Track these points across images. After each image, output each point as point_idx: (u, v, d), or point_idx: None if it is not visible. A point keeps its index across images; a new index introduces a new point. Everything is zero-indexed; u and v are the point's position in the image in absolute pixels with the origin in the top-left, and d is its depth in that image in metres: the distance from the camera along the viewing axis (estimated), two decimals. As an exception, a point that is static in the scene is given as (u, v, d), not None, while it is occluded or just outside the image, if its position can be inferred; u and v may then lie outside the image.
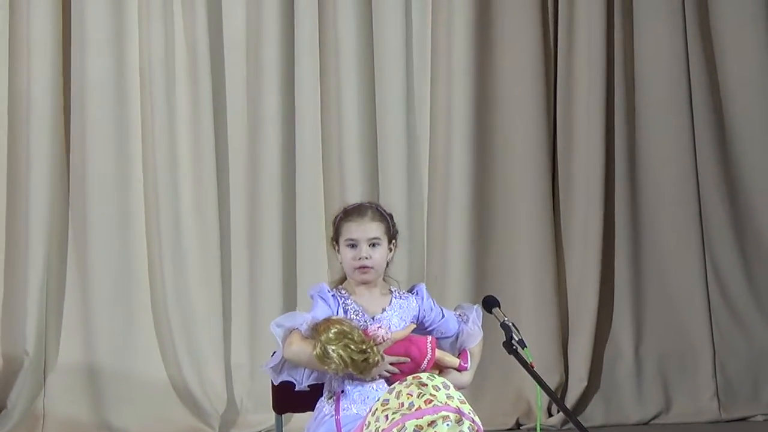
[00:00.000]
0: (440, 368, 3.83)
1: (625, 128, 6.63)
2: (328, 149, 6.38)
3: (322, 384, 3.85)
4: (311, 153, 6.39)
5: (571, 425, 6.23)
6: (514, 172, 6.53)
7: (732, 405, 6.55)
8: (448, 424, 3.48)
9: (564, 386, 6.46)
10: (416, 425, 3.48)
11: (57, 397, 6.07)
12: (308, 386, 3.85)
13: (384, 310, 3.84)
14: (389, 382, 3.75)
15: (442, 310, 3.95)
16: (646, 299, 6.63)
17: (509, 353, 3.76)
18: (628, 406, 6.51)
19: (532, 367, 3.70)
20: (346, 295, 3.85)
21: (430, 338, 3.81)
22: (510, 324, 3.80)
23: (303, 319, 3.77)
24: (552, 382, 6.30)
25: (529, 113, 6.50)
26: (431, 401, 3.52)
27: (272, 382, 3.91)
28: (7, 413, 5.98)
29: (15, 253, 6.11)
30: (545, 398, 6.29)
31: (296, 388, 3.85)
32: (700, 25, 6.71)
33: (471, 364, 3.91)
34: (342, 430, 3.72)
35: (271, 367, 3.85)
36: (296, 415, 5.26)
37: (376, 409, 3.59)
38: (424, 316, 3.92)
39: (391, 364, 3.75)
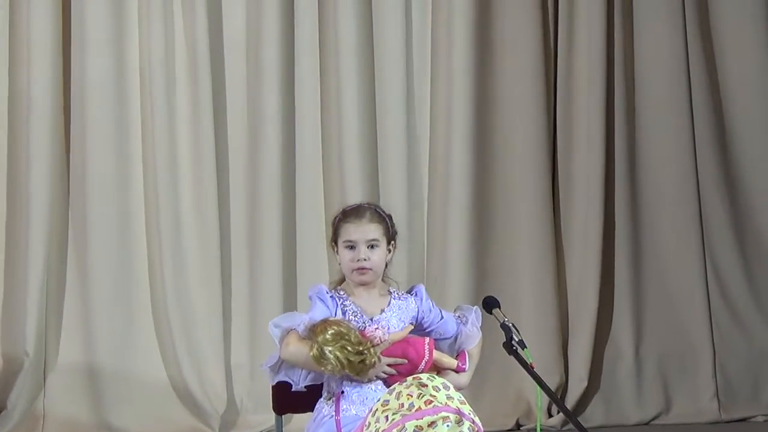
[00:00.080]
0: (438, 369, 3.83)
1: (625, 128, 6.62)
2: (328, 149, 6.38)
3: (321, 385, 3.85)
4: (311, 153, 6.39)
5: (571, 426, 6.23)
6: (514, 172, 6.52)
7: (732, 405, 6.55)
8: (448, 425, 3.49)
9: (564, 387, 6.46)
10: (416, 426, 3.48)
11: (57, 397, 6.07)
12: (305, 387, 3.86)
13: (383, 311, 3.84)
14: (386, 383, 3.75)
15: (441, 311, 3.95)
16: (646, 299, 6.63)
17: (509, 354, 3.76)
18: (628, 406, 6.51)
19: (532, 368, 3.70)
20: (345, 296, 3.85)
21: (427, 340, 3.81)
22: (510, 324, 3.80)
23: (301, 319, 3.77)
24: (552, 383, 6.30)
25: (529, 113, 6.50)
26: (431, 402, 3.52)
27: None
28: (7, 414, 5.98)
29: (15, 253, 6.11)
30: (545, 399, 6.28)
31: (293, 389, 3.86)
32: (700, 25, 6.71)
33: (469, 365, 3.91)
34: (342, 430, 3.72)
35: (269, 367, 3.85)
36: (296, 415, 5.26)
37: (377, 409, 3.59)
38: (423, 317, 3.92)
39: (388, 365, 3.75)
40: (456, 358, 3.91)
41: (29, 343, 6.02)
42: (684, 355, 6.60)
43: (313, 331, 3.70)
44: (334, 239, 3.90)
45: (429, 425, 3.48)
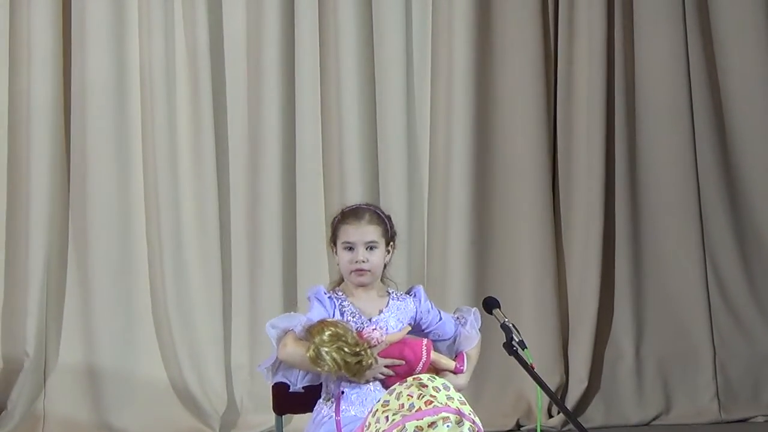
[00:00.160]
0: (436, 371, 3.83)
1: (625, 129, 6.62)
2: (328, 149, 6.38)
3: (320, 385, 3.85)
4: (311, 153, 6.39)
5: (571, 426, 6.23)
6: (514, 173, 6.52)
7: (732, 406, 6.55)
8: (448, 426, 3.49)
9: (564, 387, 6.45)
10: (416, 426, 3.48)
11: (57, 398, 6.07)
12: (303, 388, 3.86)
13: (381, 311, 3.84)
14: (384, 384, 3.75)
15: (440, 312, 3.95)
16: (647, 300, 6.63)
17: (509, 354, 3.76)
18: (628, 407, 6.50)
19: (533, 368, 3.70)
20: (343, 296, 3.85)
21: (425, 341, 3.81)
22: (510, 325, 3.79)
23: (298, 320, 3.77)
24: (552, 383, 6.30)
25: (529, 113, 6.50)
26: (431, 402, 3.52)
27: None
28: (8, 414, 5.98)
29: (15, 253, 6.11)
30: (545, 399, 6.28)
31: (291, 390, 3.86)
32: (700, 26, 6.70)
33: (467, 367, 3.91)
34: (342, 431, 3.72)
35: (267, 368, 3.85)
36: (296, 416, 5.26)
37: (377, 410, 3.59)
38: (422, 318, 3.91)
39: (385, 366, 3.75)
40: (454, 360, 3.90)
41: (29, 344, 6.01)
42: (684, 356, 6.59)
43: (310, 332, 3.70)
44: (333, 240, 3.90)
45: (429, 425, 3.48)
